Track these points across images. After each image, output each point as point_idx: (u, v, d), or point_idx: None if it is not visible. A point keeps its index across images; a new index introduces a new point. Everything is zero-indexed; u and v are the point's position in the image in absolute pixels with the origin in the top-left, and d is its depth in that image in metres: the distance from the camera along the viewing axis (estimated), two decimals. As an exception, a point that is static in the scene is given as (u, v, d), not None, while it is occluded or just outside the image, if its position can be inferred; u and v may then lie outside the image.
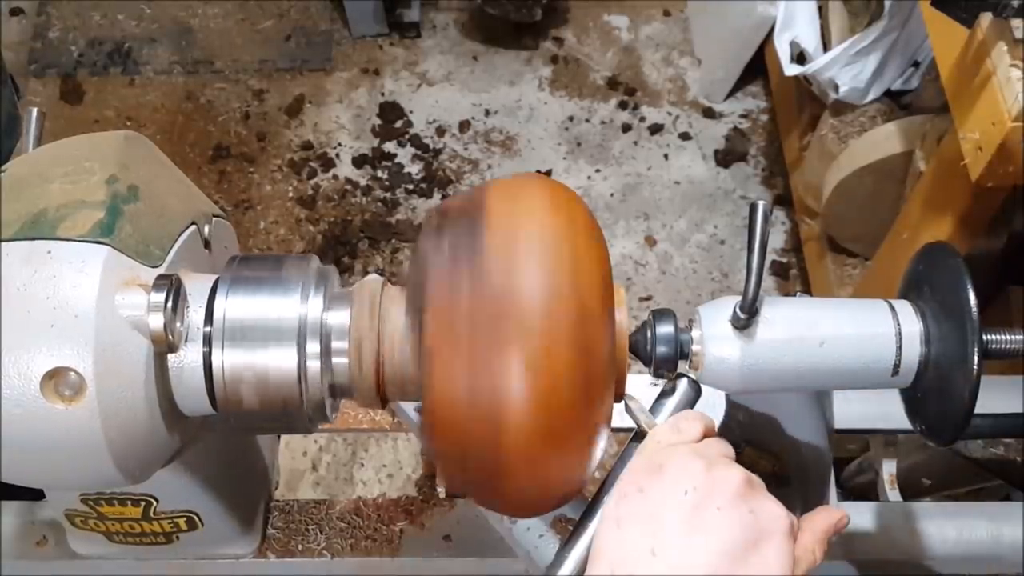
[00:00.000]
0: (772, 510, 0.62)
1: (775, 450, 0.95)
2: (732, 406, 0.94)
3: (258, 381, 0.68)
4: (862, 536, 1.07)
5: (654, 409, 0.72)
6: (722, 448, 0.66)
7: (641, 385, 1.06)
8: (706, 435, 0.68)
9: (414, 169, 2.37)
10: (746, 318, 0.70)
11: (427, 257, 0.65)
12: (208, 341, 0.68)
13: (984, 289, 0.78)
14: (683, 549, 0.59)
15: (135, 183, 0.71)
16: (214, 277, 0.71)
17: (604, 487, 0.69)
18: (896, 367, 0.72)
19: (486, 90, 2.51)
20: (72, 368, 0.63)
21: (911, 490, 1.28)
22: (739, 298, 0.70)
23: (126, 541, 1.00)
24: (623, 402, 0.70)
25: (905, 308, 0.73)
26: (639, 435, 0.70)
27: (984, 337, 0.69)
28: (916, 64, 1.74)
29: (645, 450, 0.67)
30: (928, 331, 0.72)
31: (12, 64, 2.45)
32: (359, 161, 2.37)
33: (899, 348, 0.72)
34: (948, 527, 1.07)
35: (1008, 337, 0.71)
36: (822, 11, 1.87)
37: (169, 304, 0.66)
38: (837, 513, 0.68)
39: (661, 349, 0.72)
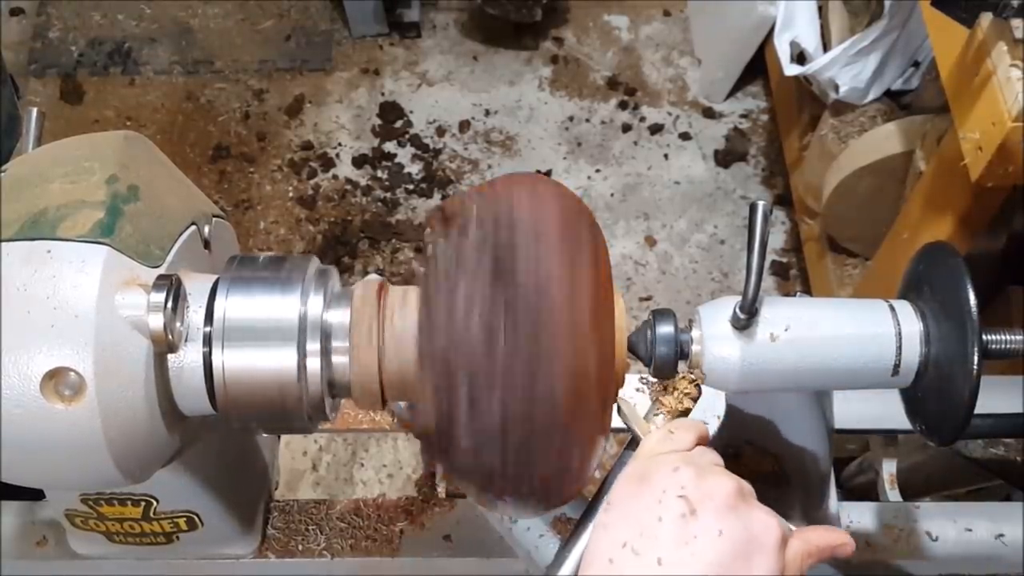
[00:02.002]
0: (763, 520, 0.61)
1: (775, 450, 0.95)
2: (732, 406, 0.94)
3: (258, 381, 0.68)
4: (862, 536, 1.07)
5: (653, 409, 0.72)
6: (713, 457, 0.66)
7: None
8: (699, 443, 0.67)
9: (414, 169, 2.37)
10: (746, 318, 0.70)
11: (432, 260, 0.65)
12: (208, 341, 0.68)
13: (984, 289, 0.78)
14: (673, 560, 0.58)
15: (135, 183, 0.71)
16: (214, 277, 0.71)
17: (604, 487, 0.69)
18: (896, 367, 0.72)
19: (486, 90, 2.51)
20: (72, 368, 0.63)
21: (911, 490, 1.28)
22: (739, 298, 0.70)
23: (126, 541, 1.00)
24: (616, 406, 0.69)
25: (905, 308, 0.73)
26: (633, 441, 0.69)
27: (984, 337, 0.69)
28: (916, 64, 1.74)
29: (638, 457, 0.67)
30: (928, 331, 0.72)
31: (12, 64, 2.45)
32: (359, 161, 2.36)
33: (899, 348, 0.72)
34: (948, 527, 1.07)
35: (1008, 337, 0.71)
36: (822, 11, 1.87)
37: (169, 304, 0.66)
38: (842, 536, 0.66)
39: (661, 349, 0.72)
